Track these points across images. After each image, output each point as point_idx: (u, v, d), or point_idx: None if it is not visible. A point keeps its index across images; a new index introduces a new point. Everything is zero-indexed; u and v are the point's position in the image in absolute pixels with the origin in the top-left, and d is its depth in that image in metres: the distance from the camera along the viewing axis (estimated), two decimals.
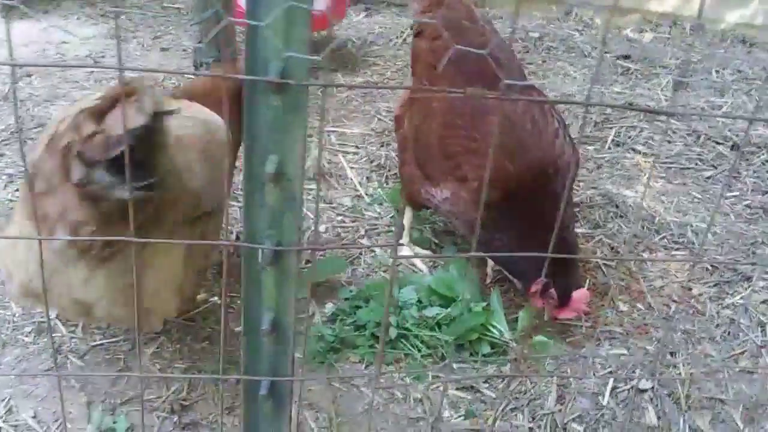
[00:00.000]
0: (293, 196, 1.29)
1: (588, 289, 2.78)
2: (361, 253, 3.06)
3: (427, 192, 2.75)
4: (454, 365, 2.59)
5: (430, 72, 2.83)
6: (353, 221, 3.30)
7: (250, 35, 1.12)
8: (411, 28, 3.51)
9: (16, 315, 2.62)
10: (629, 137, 4.12)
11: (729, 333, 2.85)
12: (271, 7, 1.09)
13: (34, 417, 2.28)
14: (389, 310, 2.69)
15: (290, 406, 1.56)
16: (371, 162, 3.75)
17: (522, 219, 2.50)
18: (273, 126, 1.22)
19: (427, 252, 3.12)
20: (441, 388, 2.49)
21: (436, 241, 3.21)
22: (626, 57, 5.17)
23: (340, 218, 3.31)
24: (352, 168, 3.68)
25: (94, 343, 2.57)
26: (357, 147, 3.89)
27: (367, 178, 3.61)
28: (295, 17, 1.11)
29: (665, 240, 3.33)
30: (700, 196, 3.70)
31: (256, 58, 1.16)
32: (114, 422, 2.27)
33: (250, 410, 1.56)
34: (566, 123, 2.71)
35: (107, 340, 2.57)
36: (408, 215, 3.10)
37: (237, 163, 2.67)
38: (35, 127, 3.76)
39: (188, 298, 2.26)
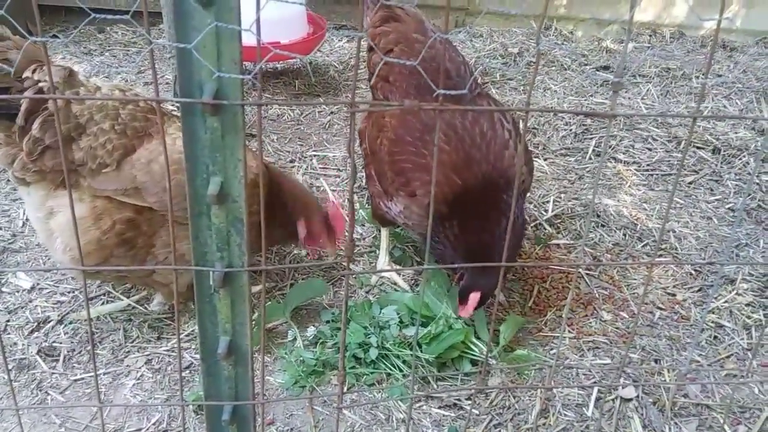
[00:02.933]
0: (239, 217, 1.29)
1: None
2: (342, 275, 3.05)
3: (385, 205, 2.77)
4: (436, 384, 2.57)
5: (384, 85, 2.85)
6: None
7: (179, 58, 1.13)
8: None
9: None
10: (610, 146, 4.13)
11: (715, 337, 2.83)
12: (198, 29, 1.10)
13: None
14: (370, 330, 2.67)
15: (255, 429, 1.54)
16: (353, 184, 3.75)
17: (471, 230, 2.51)
18: (213, 147, 1.23)
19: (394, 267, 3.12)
20: (423, 408, 2.47)
21: (418, 260, 3.21)
22: (606, 68, 5.19)
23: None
24: (333, 190, 3.69)
25: (75, 378, 2.56)
26: (339, 170, 3.90)
27: (348, 200, 3.61)
28: (223, 37, 1.12)
29: (648, 247, 3.32)
30: (682, 202, 3.69)
31: (190, 80, 1.17)
32: None
33: None
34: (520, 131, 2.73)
35: (88, 375, 2.56)
36: (385, 233, 3.11)
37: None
38: None
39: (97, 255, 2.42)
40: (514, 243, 2.61)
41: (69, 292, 2.91)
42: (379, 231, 3.28)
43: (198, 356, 2.59)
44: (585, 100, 4.69)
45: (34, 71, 2.20)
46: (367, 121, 2.92)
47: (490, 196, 2.48)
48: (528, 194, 3.36)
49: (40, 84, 2.19)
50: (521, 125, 3.67)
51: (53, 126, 2.21)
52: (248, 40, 1.12)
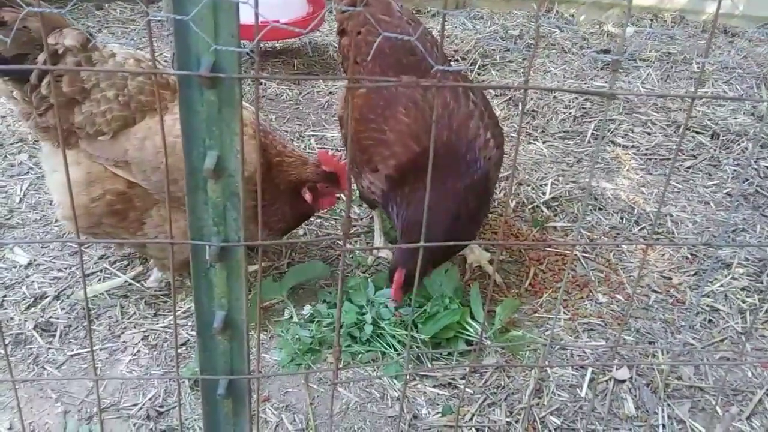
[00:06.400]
0: (236, 192, 1.29)
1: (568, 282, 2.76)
2: (339, 254, 3.05)
3: (359, 185, 2.81)
4: (431, 363, 2.58)
5: (355, 67, 2.86)
6: (332, 222, 3.30)
7: (177, 30, 1.12)
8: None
9: None
10: (609, 130, 4.12)
11: (709, 321, 2.85)
12: (195, 2, 1.09)
13: (9, 429, 2.27)
14: (365, 309, 2.68)
15: (250, 404, 1.55)
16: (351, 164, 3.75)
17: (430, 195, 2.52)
18: (210, 121, 1.22)
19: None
20: (418, 386, 2.49)
21: None
22: (606, 51, 5.17)
23: (319, 220, 3.31)
24: None
25: (72, 353, 2.57)
26: (337, 149, 3.89)
27: (347, 178, 3.61)
28: (220, 10, 1.11)
29: (645, 231, 3.32)
30: (680, 186, 3.69)
31: (187, 53, 1.16)
32: (89, 431, 2.27)
33: (210, 411, 1.55)
34: (489, 107, 2.71)
35: (84, 350, 2.57)
36: (377, 214, 3.12)
37: None
38: (16, 142, 3.76)
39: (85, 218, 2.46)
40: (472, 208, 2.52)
41: (66, 268, 2.91)
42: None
43: (194, 333, 2.61)
44: (585, 83, 4.67)
45: (53, 36, 2.25)
46: (344, 107, 2.95)
47: (448, 161, 2.48)
48: (518, 177, 3.36)
49: (56, 46, 2.23)
50: (520, 106, 3.66)
51: (59, 86, 2.26)
52: (246, 18, 1.12)
